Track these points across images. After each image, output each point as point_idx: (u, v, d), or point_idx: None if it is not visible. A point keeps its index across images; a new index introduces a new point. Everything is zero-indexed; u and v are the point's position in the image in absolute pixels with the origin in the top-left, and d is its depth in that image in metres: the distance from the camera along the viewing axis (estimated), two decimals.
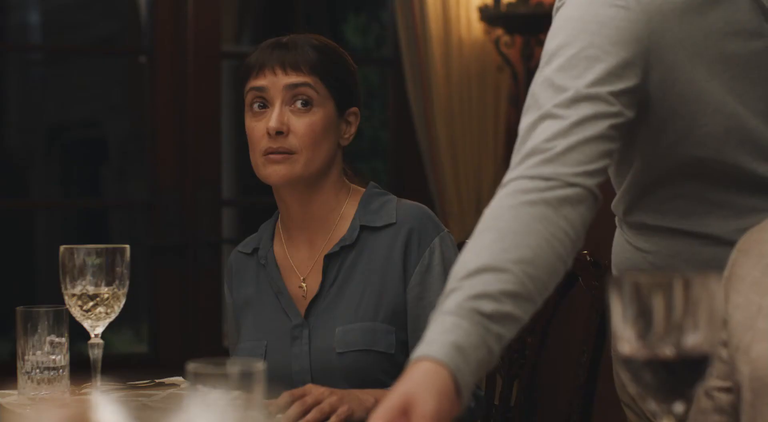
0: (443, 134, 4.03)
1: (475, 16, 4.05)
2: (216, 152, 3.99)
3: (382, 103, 5.57)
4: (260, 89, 2.08)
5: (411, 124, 4.10)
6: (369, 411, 1.90)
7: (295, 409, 1.85)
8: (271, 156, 2.05)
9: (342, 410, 1.87)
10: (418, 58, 4.02)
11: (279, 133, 2.05)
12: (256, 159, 2.08)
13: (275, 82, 2.07)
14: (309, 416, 1.84)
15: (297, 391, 1.88)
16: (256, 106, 2.09)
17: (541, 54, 1.70)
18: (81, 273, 1.80)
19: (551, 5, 3.96)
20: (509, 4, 3.97)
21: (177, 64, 3.92)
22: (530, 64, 4.03)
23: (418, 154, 4.10)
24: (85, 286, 1.80)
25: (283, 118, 2.05)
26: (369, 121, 5.98)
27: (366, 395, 1.93)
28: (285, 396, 1.87)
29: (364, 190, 2.16)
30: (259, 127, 2.07)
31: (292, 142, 2.05)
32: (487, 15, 4.01)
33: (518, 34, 4.03)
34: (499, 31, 4.04)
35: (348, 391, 1.92)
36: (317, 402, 1.86)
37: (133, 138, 6.45)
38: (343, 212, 2.13)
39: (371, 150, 6.03)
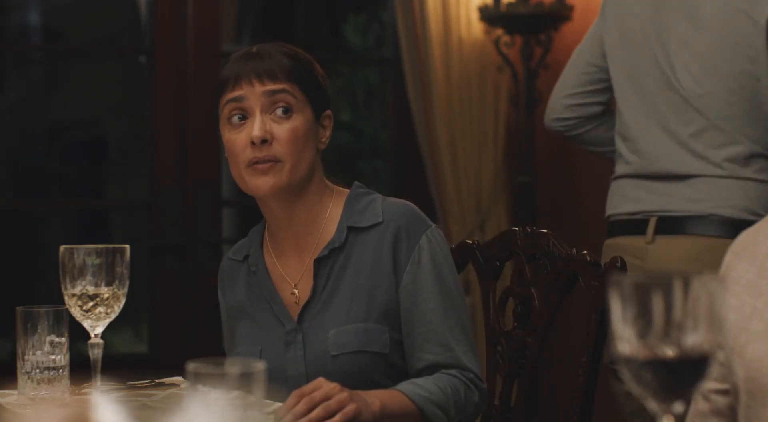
0: (443, 134, 4.03)
1: (475, 16, 4.05)
2: (216, 152, 3.98)
3: (382, 103, 5.57)
4: (238, 99, 2.05)
5: (411, 124, 4.10)
6: (375, 415, 1.89)
7: (301, 407, 1.83)
8: (258, 166, 2.02)
9: (350, 408, 1.85)
10: (418, 58, 4.02)
11: (264, 141, 2.02)
12: (240, 171, 2.05)
13: (253, 91, 2.04)
14: (313, 414, 1.83)
15: (308, 387, 1.87)
16: (235, 118, 2.05)
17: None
18: (81, 273, 1.80)
19: (551, 5, 3.98)
20: (509, 4, 3.97)
21: (177, 64, 3.92)
22: (530, 64, 4.03)
23: (418, 154, 4.10)
24: (85, 286, 1.80)
25: (266, 126, 2.03)
26: (369, 121, 5.98)
27: (372, 398, 1.92)
28: (294, 398, 1.85)
29: (348, 191, 2.14)
30: (241, 138, 2.04)
31: (277, 149, 2.02)
32: (487, 15, 4.01)
33: (518, 34, 4.02)
34: (499, 31, 4.04)
35: (356, 392, 1.90)
36: (326, 398, 1.85)
37: (133, 138, 6.44)
38: (329, 215, 2.11)
39: (371, 150, 6.02)
